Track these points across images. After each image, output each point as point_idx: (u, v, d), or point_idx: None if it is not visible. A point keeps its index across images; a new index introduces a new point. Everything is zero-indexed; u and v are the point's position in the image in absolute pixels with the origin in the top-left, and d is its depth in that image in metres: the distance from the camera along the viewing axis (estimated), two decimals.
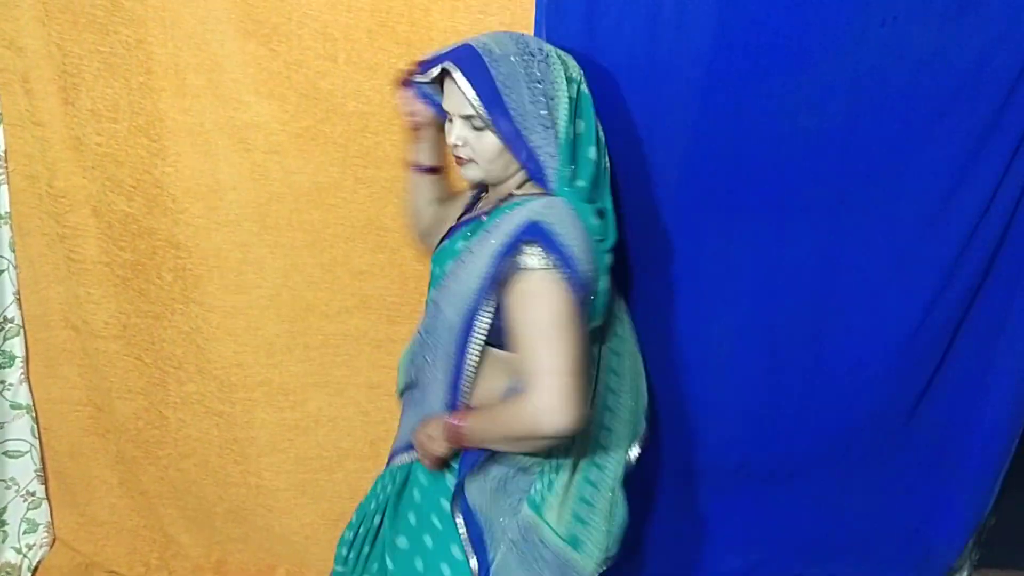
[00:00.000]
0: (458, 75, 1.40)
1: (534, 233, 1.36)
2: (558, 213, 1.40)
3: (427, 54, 1.52)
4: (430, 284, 1.60)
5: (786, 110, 1.76)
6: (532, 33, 1.77)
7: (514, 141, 1.40)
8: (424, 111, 1.63)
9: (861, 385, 1.99)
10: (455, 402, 1.49)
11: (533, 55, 1.43)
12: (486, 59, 1.40)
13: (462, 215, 1.64)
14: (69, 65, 1.90)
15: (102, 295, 2.08)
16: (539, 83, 1.41)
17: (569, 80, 1.45)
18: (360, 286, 2.05)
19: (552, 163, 1.42)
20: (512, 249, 1.37)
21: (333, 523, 2.24)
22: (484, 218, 1.50)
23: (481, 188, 1.66)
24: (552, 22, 1.75)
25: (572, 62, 1.49)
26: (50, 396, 2.21)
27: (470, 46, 1.42)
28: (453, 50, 1.45)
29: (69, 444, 2.25)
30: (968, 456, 2.08)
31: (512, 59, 1.41)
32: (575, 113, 1.45)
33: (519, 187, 1.50)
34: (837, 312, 1.94)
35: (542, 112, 1.40)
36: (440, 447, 1.50)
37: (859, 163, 1.81)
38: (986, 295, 1.92)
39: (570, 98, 1.44)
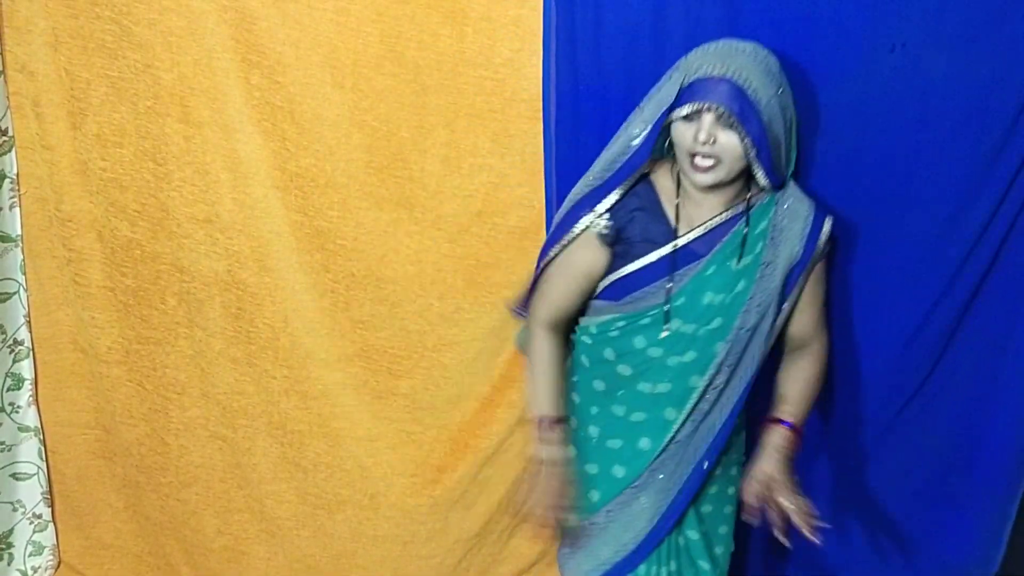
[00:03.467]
0: (733, 127, 1.50)
1: (824, 214, 1.65)
2: (806, 194, 1.66)
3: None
4: (666, 318, 1.64)
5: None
6: (540, 62, 1.77)
7: (767, 162, 1.54)
8: None
9: (862, 395, 2.00)
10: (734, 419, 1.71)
11: (780, 86, 1.54)
12: (757, 107, 1.48)
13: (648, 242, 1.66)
14: (77, 90, 1.90)
15: (105, 320, 2.07)
16: (785, 110, 1.55)
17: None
18: (361, 334, 2.02)
19: (785, 168, 1.63)
20: (816, 238, 1.63)
21: (335, 559, 2.21)
22: (743, 227, 1.62)
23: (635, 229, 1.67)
24: (562, 51, 1.75)
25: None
26: (58, 419, 2.21)
27: (741, 90, 1.48)
28: (718, 89, 1.49)
29: (76, 467, 2.24)
30: (975, 469, 2.06)
31: (773, 101, 1.51)
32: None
33: (755, 188, 1.63)
34: (840, 328, 1.94)
35: (786, 133, 1.57)
36: (788, 478, 1.66)
37: (866, 185, 1.82)
38: (986, 312, 1.91)
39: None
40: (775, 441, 1.68)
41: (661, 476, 1.71)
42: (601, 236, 1.62)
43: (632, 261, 1.63)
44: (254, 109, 1.86)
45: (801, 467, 2.06)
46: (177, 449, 2.17)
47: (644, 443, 1.71)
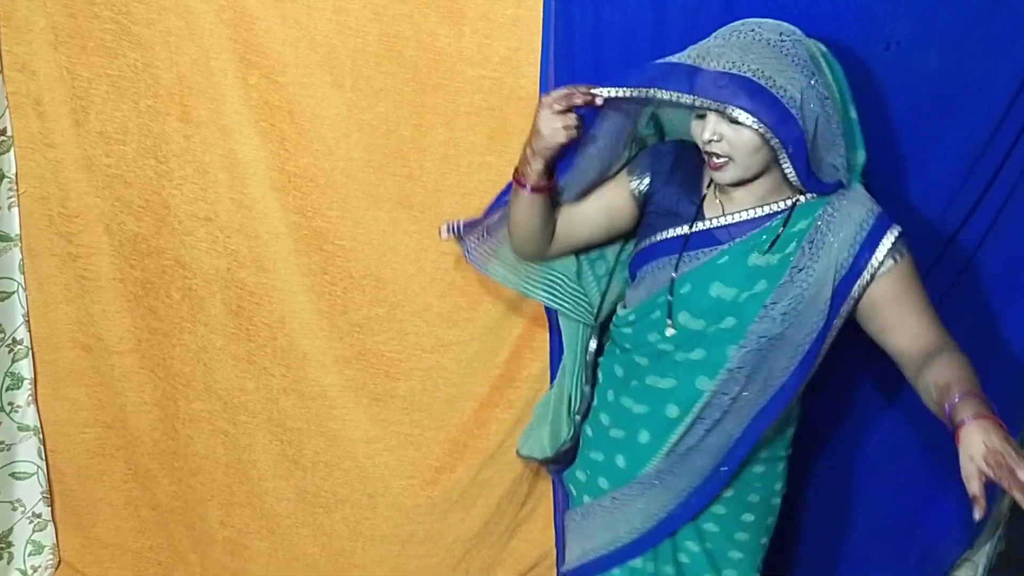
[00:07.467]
0: (744, 123, 1.39)
1: (888, 224, 1.50)
2: (873, 201, 1.52)
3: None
4: (669, 311, 1.57)
5: None
6: (539, 59, 1.76)
7: (800, 162, 1.43)
8: (578, 130, 1.54)
9: (857, 388, 2.00)
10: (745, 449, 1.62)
11: (813, 75, 1.41)
12: (779, 99, 1.38)
13: (690, 223, 1.57)
14: (79, 88, 1.91)
15: (116, 311, 2.09)
16: (824, 102, 1.43)
17: (832, 69, 1.48)
18: (359, 338, 2.02)
19: (840, 162, 1.49)
20: (872, 247, 1.48)
21: (334, 557, 2.21)
22: (780, 224, 1.51)
23: (692, 193, 1.59)
24: (560, 49, 1.75)
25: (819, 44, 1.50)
26: (57, 418, 2.21)
27: (752, 84, 1.37)
28: (719, 86, 1.39)
29: (76, 466, 2.25)
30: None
31: (807, 92, 1.40)
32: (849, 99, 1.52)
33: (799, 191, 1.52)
34: None
35: (830, 127, 1.44)
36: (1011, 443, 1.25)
37: None
38: (976, 304, 1.91)
39: (840, 87, 1.49)
40: (969, 411, 1.28)
41: (669, 478, 1.65)
42: (632, 193, 1.64)
43: (654, 233, 1.60)
44: (252, 109, 1.86)
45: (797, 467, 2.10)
46: (184, 438, 2.18)
47: (643, 436, 1.65)
